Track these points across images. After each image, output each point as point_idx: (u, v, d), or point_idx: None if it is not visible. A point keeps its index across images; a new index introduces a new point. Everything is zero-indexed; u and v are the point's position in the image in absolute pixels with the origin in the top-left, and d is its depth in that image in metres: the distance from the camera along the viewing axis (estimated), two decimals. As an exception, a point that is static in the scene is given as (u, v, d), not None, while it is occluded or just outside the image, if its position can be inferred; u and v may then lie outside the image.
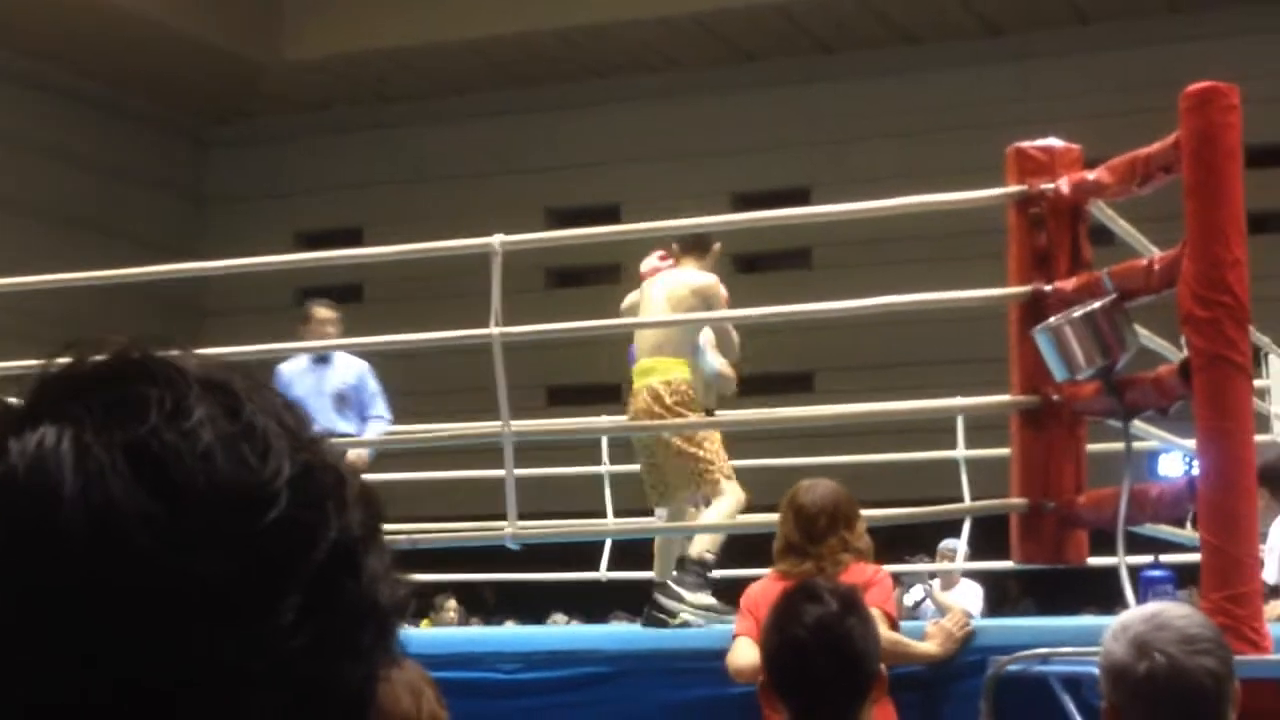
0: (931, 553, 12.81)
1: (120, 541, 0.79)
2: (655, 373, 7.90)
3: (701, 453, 7.78)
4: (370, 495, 0.88)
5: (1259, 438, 6.70)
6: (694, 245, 8.13)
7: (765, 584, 5.92)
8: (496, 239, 7.41)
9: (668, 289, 7.99)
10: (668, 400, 7.81)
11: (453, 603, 15.12)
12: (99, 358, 0.85)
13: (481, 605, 19.49)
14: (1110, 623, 3.32)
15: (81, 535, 0.79)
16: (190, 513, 0.81)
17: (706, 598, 7.53)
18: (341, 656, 0.84)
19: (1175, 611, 3.24)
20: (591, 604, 14.74)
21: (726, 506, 7.70)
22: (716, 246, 8.24)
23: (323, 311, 10.14)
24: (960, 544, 11.35)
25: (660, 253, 8.45)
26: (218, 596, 0.80)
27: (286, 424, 0.86)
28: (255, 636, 0.81)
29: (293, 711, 0.82)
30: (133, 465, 0.81)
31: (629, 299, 8.43)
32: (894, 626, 5.92)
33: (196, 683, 0.80)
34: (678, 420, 7.98)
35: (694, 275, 8.02)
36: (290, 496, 0.83)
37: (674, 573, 7.63)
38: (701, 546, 7.68)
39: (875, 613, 5.48)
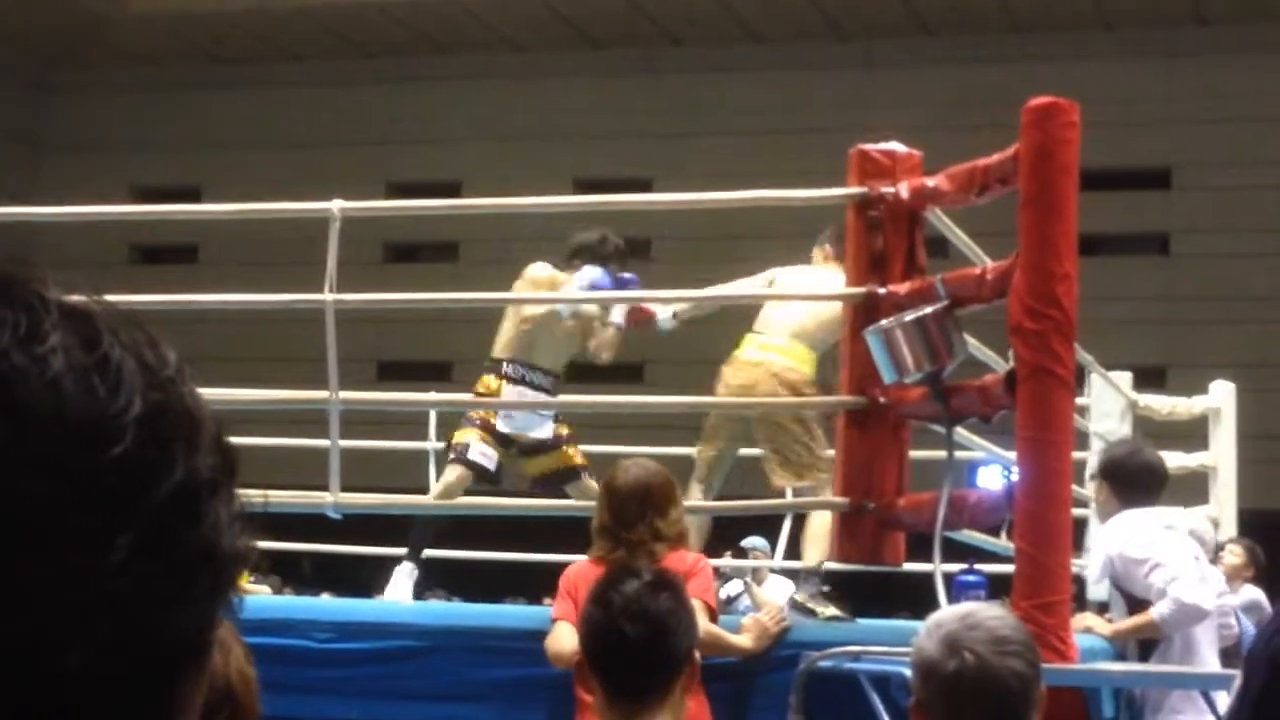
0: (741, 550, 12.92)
1: None
2: (789, 356, 7.82)
3: (813, 443, 7.73)
4: (225, 442, 0.87)
5: (1076, 454, 6.82)
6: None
7: (583, 566, 5.90)
8: (335, 204, 7.36)
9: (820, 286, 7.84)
10: (801, 390, 7.74)
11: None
12: None
13: (298, 576, 19.37)
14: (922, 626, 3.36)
15: None
16: (31, 438, 0.79)
17: (832, 608, 7.54)
18: (171, 602, 0.82)
19: (988, 612, 3.29)
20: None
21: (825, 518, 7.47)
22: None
23: None
24: (763, 541, 11.48)
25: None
26: (47, 525, 0.79)
27: (145, 361, 0.84)
28: (81, 570, 0.79)
29: (115, 652, 0.80)
30: None
31: (769, 277, 8.13)
32: (713, 618, 5.92)
33: (12, 610, 0.79)
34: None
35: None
36: (137, 433, 0.81)
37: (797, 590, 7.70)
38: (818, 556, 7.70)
39: (695, 603, 5.51)
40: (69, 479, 0.79)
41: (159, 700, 0.84)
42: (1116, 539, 6.92)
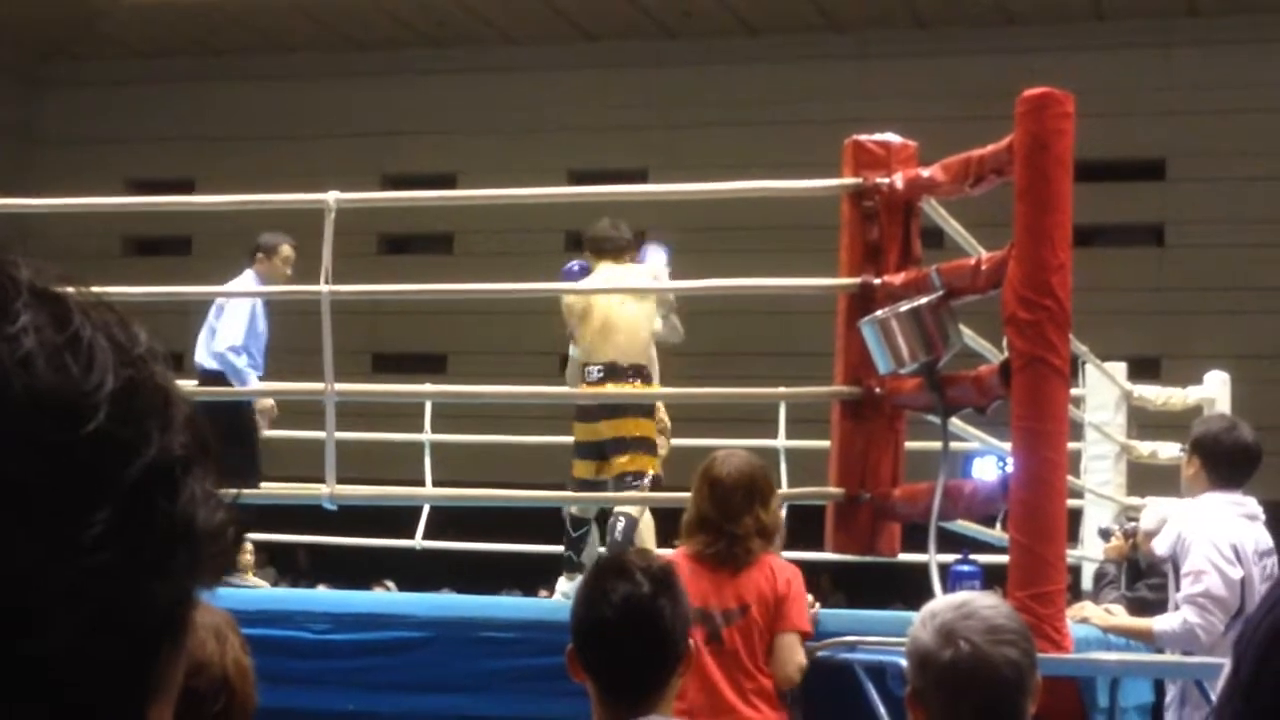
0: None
1: None
2: None
3: None
4: (198, 420, 0.88)
5: (1071, 444, 6.80)
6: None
7: (674, 561, 5.71)
8: (331, 196, 7.37)
9: None
10: None
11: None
12: None
13: (294, 568, 19.39)
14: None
15: None
16: (4, 416, 0.80)
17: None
18: (149, 576, 0.83)
19: (983, 601, 3.29)
20: (408, 573, 14.68)
21: None
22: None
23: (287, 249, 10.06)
24: None
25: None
26: (25, 500, 0.79)
27: (116, 339, 0.85)
28: (59, 545, 0.80)
29: (96, 628, 0.81)
30: None
31: None
32: (806, 639, 5.81)
33: None
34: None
35: None
36: (110, 410, 0.82)
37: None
38: None
39: (794, 638, 5.51)
40: (44, 456, 0.80)
41: (138, 677, 0.85)
42: (1193, 520, 6.71)
